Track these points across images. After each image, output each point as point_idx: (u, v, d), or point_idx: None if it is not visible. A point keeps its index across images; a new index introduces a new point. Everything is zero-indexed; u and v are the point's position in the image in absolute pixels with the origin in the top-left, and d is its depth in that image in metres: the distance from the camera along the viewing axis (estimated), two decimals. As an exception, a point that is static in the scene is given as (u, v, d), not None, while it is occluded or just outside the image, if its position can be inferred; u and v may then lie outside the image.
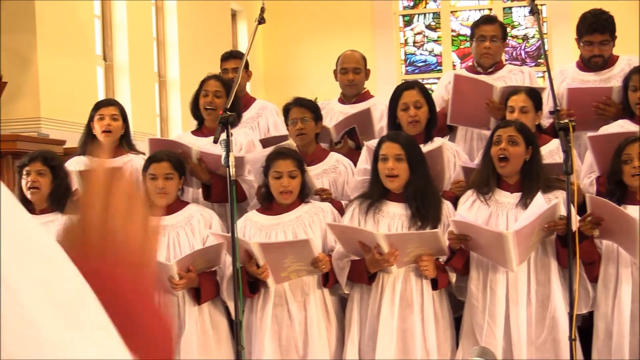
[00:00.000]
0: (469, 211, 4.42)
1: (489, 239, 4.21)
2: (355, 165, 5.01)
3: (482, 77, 5.54)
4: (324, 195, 4.79)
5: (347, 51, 5.89)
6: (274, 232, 4.54)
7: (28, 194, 4.64)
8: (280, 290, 4.45)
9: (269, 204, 4.63)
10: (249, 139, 5.18)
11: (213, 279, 4.55)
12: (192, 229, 4.62)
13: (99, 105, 5.25)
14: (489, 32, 5.61)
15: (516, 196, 4.42)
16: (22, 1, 7.74)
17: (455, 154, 4.97)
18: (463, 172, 4.79)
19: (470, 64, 6.08)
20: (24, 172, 4.67)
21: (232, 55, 5.99)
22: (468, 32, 11.57)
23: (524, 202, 4.35)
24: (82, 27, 8.67)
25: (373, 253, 4.20)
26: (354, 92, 5.78)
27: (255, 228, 4.56)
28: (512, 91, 5.00)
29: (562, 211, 4.22)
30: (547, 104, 5.16)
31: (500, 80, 5.55)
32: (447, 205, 4.50)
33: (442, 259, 4.38)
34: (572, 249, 4.00)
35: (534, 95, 4.95)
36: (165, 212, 4.66)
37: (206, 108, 5.17)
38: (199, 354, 4.47)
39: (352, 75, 5.71)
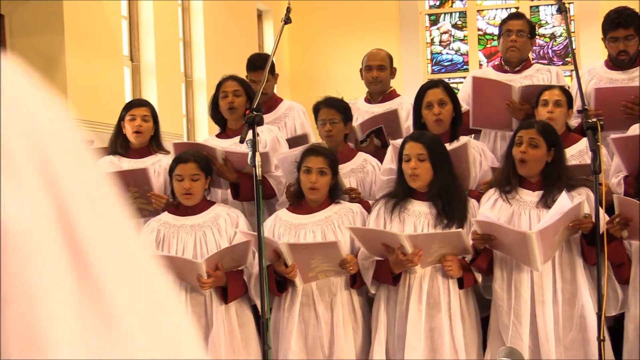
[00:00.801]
0: (492, 210, 4.40)
1: (512, 238, 4.18)
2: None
3: (506, 77, 5.52)
4: (353, 195, 4.78)
5: (373, 49, 5.90)
6: (303, 231, 4.54)
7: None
8: (307, 289, 4.46)
9: (299, 203, 4.64)
10: (273, 135, 5.18)
11: (240, 277, 4.56)
12: (219, 228, 4.63)
13: (130, 105, 5.25)
14: (516, 26, 5.61)
15: (538, 194, 4.39)
16: (50, 2, 7.80)
17: (482, 152, 4.95)
18: (492, 173, 4.77)
19: (497, 62, 6.04)
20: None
21: (260, 67, 5.76)
22: (494, 30, 11.55)
23: (545, 201, 4.32)
24: (109, 28, 8.73)
25: (397, 254, 4.19)
26: (378, 89, 5.78)
27: (285, 227, 4.57)
28: (545, 87, 4.99)
29: (587, 209, 4.19)
30: (575, 103, 5.13)
31: (528, 79, 5.53)
32: (472, 203, 4.48)
33: (468, 257, 4.36)
34: (600, 250, 3.97)
35: (567, 92, 4.95)
36: (191, 212, 4.68)
37: (229, 108, 5.16)
38: (226, 353, 4.48)
39: (377, 72, 5.72)
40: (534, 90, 5.15)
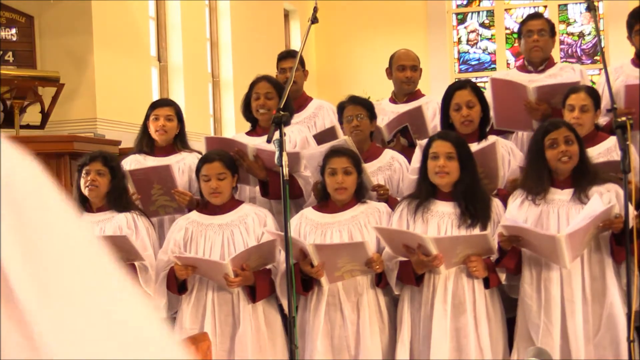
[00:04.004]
0: (519, 210, 4.37)
1: (540, 241, 4.15)
2: (410, 162, 4.98)
3: (530, 77, 5.50)
4: (381, 192, 4.77)
5: (402, 49, 5.88)
6: (329, 230, 4.54)
7: (86, 192, 4.72)
8: (333, 289, 4.45)
9: (326, 202, 4.64)
10: (302, 136, 5.18)
11: (268, 277, 4.56)
12: (247, 227, 4.64)
13: (155, 105, 5.28)
14: (537, 26, 5.59)
15: (568, 192, 4.35)
16: (78, 3, 7.86)
17: (510, 151, 4.92)
18: (520, 172, 4.73)
19: (520, 63, 6.02)
20: (84, 171, 4.74)
21: (290, 55, 6.01)
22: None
23: (578, 197, 4.29)
24: (137, 28, 8.77)
25: (417, 254, 4.18)
26: (410, 89, 5.77)
27: (311, 226, 4.57)
28: (571, 89, 4.93)
29: (617, 209, 4.15)
30: (603, 101, 5.09)
31: (552, 78, 5.50)
32: (496, 203, 4.45)
33: (493, 257, 4.34)
34: (630, 248, 3.93)
35: (594, 93, 4.88)
36: (220, 211, 4.69)
37: (260, 110, 5.17)
38: (253, 352, 4.49)
39: (410, 73, 5.71)
40: (549, 90, 5.11)
